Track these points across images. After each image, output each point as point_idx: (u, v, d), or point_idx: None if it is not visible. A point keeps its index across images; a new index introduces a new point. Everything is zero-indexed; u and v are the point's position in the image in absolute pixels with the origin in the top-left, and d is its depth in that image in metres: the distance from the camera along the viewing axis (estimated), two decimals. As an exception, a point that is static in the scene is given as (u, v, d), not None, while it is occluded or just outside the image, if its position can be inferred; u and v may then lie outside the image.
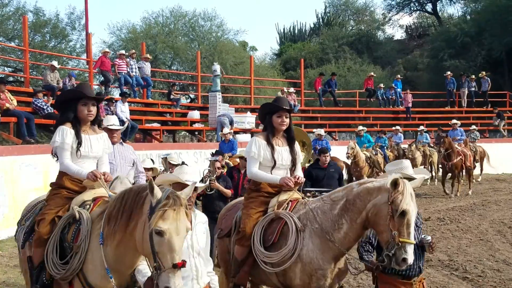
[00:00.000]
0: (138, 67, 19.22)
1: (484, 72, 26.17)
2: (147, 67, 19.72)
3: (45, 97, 14.71)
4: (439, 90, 27.95)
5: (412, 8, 42.22)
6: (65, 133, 4.60)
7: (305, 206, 4.97)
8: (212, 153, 11.30)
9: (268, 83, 30.04)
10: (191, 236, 4.14)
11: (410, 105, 25.01)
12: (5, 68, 27.89)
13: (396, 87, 25.58)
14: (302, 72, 26.30)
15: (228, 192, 8.44)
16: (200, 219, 4.40)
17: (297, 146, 5.32)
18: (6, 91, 13.34)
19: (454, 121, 19.11)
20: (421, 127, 20.55)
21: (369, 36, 40.75)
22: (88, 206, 4.43)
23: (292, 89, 23.06)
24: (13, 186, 10.98)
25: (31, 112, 13.82)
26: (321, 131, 16.40)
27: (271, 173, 5.12)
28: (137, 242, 3.72)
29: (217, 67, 20.71)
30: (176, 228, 3.49)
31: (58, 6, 67.89)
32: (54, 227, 4.40)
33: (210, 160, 9.43)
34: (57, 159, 4.77)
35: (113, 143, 6.51)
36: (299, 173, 5.29)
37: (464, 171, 16.72)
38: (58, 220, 4.43)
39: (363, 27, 42.25)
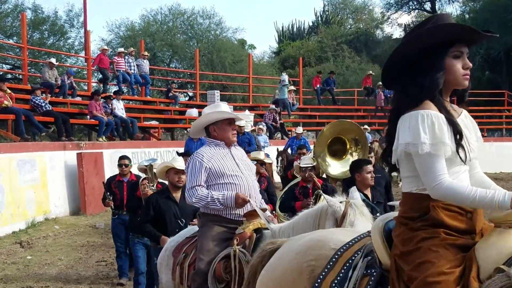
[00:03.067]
0: (137, 65, 19.19)
1: None
2: (146, 65, 19.70)
3: (43, 95, 14.69)
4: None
5: (410, 7, 42.17)
6: (436, 125, 2.32)
7: None
8: (178, 152, 10.29)
9: (267, 81, 30.02)
10: None
11: (382, 104, 24.58)
12: (3, 66, 27.82)
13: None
14: (301, 70, 26.28)
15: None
16: None
17: None
18: (7, 88, 13.33)
19: None
20: (365, 126, 18.65)
21: (367, 35, 40.74)
22: None
23: (292, 87, 23.06)
24: (11, 183, 10.95)
25: (29, 109, 13.81)
26: (300, 129, 15.14)
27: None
28: None
29: (285, 77, 22.57)
30: None
31: (56, 4, 67.89)
32: None
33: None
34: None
35: (232, 143, 4.46)
36: None
37: None
38: None
39: (361, 26, 42.23)
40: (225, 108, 4.51)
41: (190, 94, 27.99)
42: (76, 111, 16.89)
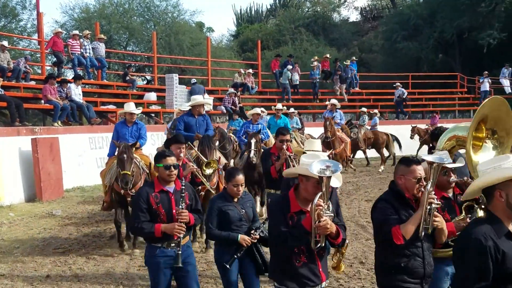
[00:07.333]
0: (92, 48, 18.78)
1: (348, 61, 25.77)
2: (102, 48, 19.30)
3: (-5, 79, 14.24)
4: (393, 72, 28.44)
5: (367, -10, 42.68)
6: None
7: None
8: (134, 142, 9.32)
9: (225, 64, 29.90)
10: None
11: (297, 83, 24.46)
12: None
13: (352, 69, 25.82)
14: (259, 53, 26.29)
15: None
16: None
17: None
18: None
19: (333, 101, 16.95)
20: (291, 109, 16.49)
21: (325, 18, 41.02)
22: None
23: (250, 70, 23.02)
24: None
25: (-20, 94, 13.39)
26: (258, 110, 12.83)
27: None
28: None
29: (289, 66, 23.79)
30: None
31: (6, -16, 65.38)
32: None
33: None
34: None
35: None
36: None
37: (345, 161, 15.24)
38: None
39: (319, 9, 42.48)
40: None
41: (148, 77, 27.61)
42: (30, 96, 16.42)
